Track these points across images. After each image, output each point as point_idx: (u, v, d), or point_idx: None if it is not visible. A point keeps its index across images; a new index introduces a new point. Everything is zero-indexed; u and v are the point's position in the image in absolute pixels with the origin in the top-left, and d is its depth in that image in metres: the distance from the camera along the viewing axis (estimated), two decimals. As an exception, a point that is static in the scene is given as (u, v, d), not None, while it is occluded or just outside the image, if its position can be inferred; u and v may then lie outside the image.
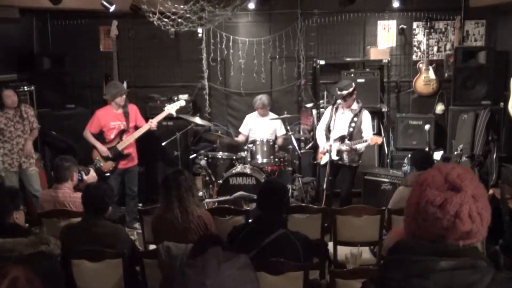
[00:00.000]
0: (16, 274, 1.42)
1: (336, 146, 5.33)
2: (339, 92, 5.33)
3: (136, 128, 5.68)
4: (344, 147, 5.32)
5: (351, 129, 5.38)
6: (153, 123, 5.61)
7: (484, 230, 1.29)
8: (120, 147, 5.56)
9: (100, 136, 5.62)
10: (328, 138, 5.45)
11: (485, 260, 1.27)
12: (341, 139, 5.37)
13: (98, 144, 5.53)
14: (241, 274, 2.05)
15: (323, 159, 5.50)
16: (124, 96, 5.64)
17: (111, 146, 5.55)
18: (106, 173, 5.55)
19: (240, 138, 6.54)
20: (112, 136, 5.58)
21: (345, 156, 5.41)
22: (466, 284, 1.23)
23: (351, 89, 5.31)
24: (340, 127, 5.39)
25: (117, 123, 5.61)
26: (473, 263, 1.25)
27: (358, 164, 5.59)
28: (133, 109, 5.78)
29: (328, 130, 5.47)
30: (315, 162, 5.89)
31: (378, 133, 6.48)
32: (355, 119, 5.39)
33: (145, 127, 5.62)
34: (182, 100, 5.94)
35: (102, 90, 6.91)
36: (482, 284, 1.22)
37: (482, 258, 1.27)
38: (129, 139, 5.60)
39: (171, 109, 5.73)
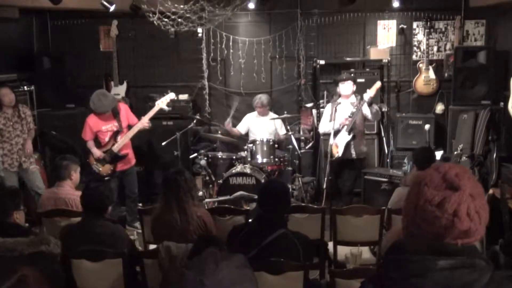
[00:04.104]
0: (25, 272, 1.43)
1: (345, 138, 5.36)
2: (339, 77, 5.60)
3: (130, 127, 5.54)
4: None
5: (354, 120, 5.41)
6: (144, 120, 5.43)
7: (482, 229, 1.29)
8: (116, 149, 5.45)
9: (95, 140, 5.52)
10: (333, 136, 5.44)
11: (483, 259, 1.27)
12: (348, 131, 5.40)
13: (93, 149, 5.44)
14: (239, 273, 2.06)
15: (339, 152, 5.46)
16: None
17: (107, 149, 5.46)
18: (105, 177, 5.47)
19: (235, 130, 6.51)
20: (106, 139, 5.48)
21: (352, 150, 5.46)
22: (464, 283, 1.23)
23: (351, 75, 5.65)
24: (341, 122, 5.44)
25: (109, 126, 5.48)
26: (472, 262, 1.25)
27: (365, 156, 5.71)
28: (123, 107, 5.63)
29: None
30: (332, 158, 5.37)
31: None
32: (355, 110, 5.42)
33: (137, 126, 5.45)
34: (171, 93, 5.71)
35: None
36: (481, 283, 1.22)
37: (481, 257, 1.27)
38: (124, 140, 5.46)
39: (161, 104, 5.51)
